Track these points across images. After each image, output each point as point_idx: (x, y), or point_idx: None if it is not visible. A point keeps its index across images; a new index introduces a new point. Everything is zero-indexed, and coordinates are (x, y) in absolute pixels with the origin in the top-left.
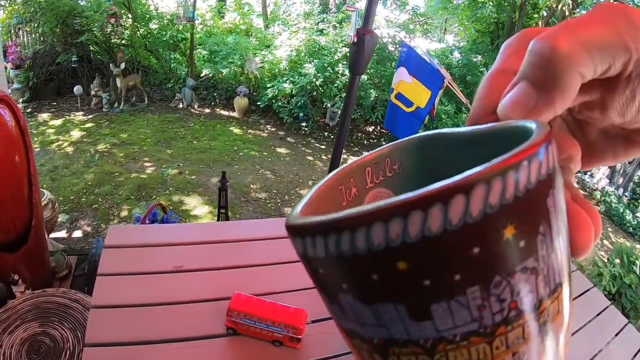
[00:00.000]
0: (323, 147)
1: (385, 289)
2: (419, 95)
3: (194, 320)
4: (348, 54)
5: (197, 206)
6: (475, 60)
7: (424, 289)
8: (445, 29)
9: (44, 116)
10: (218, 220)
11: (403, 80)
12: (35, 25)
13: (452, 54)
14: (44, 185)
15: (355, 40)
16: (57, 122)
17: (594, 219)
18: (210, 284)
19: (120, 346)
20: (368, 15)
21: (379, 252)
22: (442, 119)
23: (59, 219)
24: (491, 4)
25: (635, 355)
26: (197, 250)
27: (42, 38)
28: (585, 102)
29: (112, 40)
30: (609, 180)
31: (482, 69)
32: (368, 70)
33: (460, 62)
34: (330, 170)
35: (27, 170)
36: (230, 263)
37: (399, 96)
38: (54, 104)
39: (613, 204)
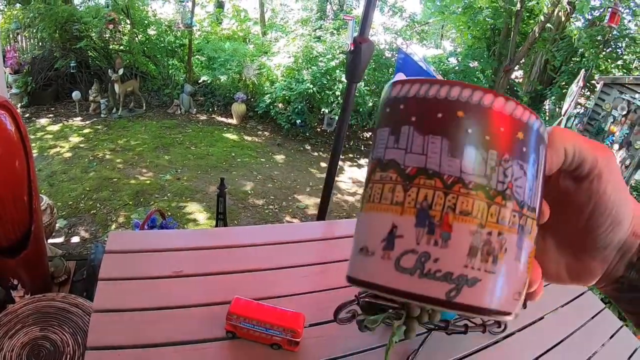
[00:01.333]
0: (320, 153)
1: (443, 125)
2: None
3: (194, 324)
4: (345, 61)
5: (195, 212)
6: (472, 66)
7: (467, 134)
8: (442, 35)
9: (42, 121)
10: (216, 226)
11: None
12: (34, 30)
13: (448, 60)
14: (42, 191)
15: (352, 48)
16: (56, 127)
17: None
18: (210, 288)
19: (121, 349)
20: (364, 24)
21: (449, 101)
22: None
23: (57, 225)
24: (487, 10)
25: (629, 358)
26: (196, 256)
27: (40, 43)
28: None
29: (111, 46)
30: None
31: (478, 75)
32: (365, 78)
33: (457, 68)
34: (327, 178)
35: (27, 176)
36: (229, 268)
37: None
38: (52, 109)
39: None
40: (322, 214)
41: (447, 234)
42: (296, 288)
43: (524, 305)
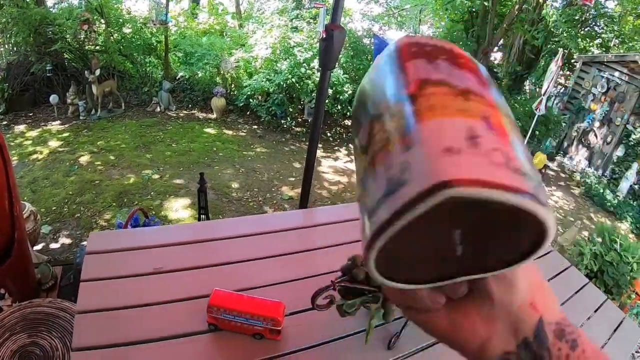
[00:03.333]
0: (302, 144)
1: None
2: None
3: (177, 319)
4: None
5: (179, 209)
6: None
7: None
8: (420, 20)
9: (21, 127)
10: (199, 221)
11: None
12: (8, 35)
13: None
14: (25, 198)
15: (324, 36)
16: (35, 132)
17: None
18: (191, 282)
19: (106, 348)
20: (336, 11)
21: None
22: None
23: (41, 231)
24: None
25: (615, 330)
26: (177, 251)
27: (15, 48)
28: None
29: (86, 47)
30: (588, 162)
31: None
32: (344, 65)
33: None
34: (307, 167)
35: (6, 184)
36: (209, 262)
37: None
38: (31, 114)
39: (593, 185)
40: (303, 203)
41: (508, 139)
42: (276, 277)
43: None
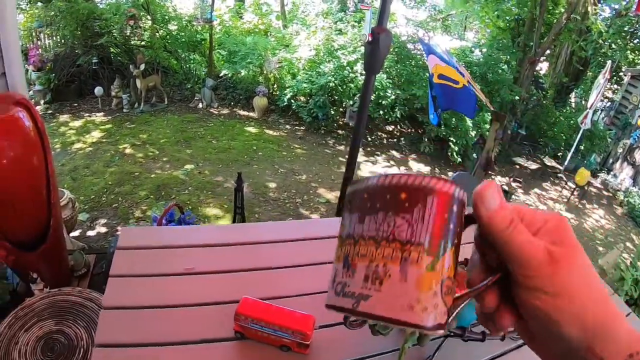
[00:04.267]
0: (342, 147)
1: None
2: (458, 76)
3: (203, 324)
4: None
5: (216, 206)
6: (496, 57)
7: (366, 207)
8: (465, 27)
9: (66, 117)
10: (234, 220)
11: (438, 64)
12: (56, 28)
13: (472, 52)
14: (65, 185)
15: (370, 39)
16: (78, 122)
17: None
18: (220, 287)
19: (128, 347)
20: (382, 14)
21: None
22: (461, 118)
23: (79, 218)
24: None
25: None
26: (209, 253)
27: (62, 41)
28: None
29: (132, 42)
30: (632, 181)
31: (503, 67)
32: (388, 70)
33: (480, 59)
34: (347, 173)
35: (45, 172)
36: (239, 266)
37: (443, 76)
38: (75, 105)
39: (637, 205)
40: (340, 210)
41: (354, 270)
42: (307, 287)
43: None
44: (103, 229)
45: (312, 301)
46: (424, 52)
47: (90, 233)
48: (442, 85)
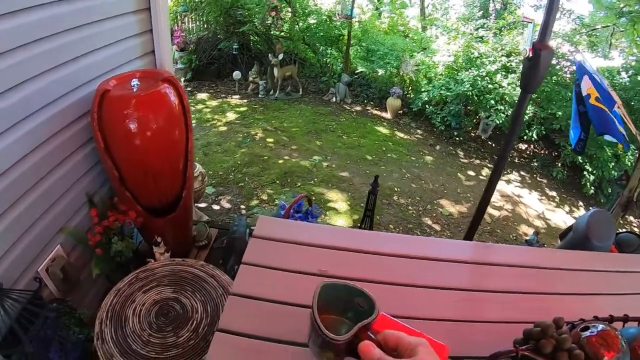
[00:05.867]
0: (472, 160)
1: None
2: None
3: None
4: (508, 64)
5: (339, 201)
6: None
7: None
8: (610, 43)
9: (203, 95)
10: (362, 222)
11: (593, 87)
12: (200, 13)
13: (619, 74)
14: (197, 159)
15: (531, 55)
16: (215, 102)
17: None
18: None
19: (250, 338)
20: (545, 28)
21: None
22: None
23: (206, 191)
24: None
25: None
26: (341, 257)
27: (205, 25)
28: None
29: (272, 32)
30: None
31: None
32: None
33: (627, 84)
34: (484, 196)
35: (185, 146)
36: (372, 276)
37: (600, 99)
38: (213, 85)
39: None
40: (471, 233)
41: None
42: (439, 312)
43: None
44: (227, 205)
45: (442, 328)
46: (565, 68)
47: (215, 207)
48: (599, 109)
